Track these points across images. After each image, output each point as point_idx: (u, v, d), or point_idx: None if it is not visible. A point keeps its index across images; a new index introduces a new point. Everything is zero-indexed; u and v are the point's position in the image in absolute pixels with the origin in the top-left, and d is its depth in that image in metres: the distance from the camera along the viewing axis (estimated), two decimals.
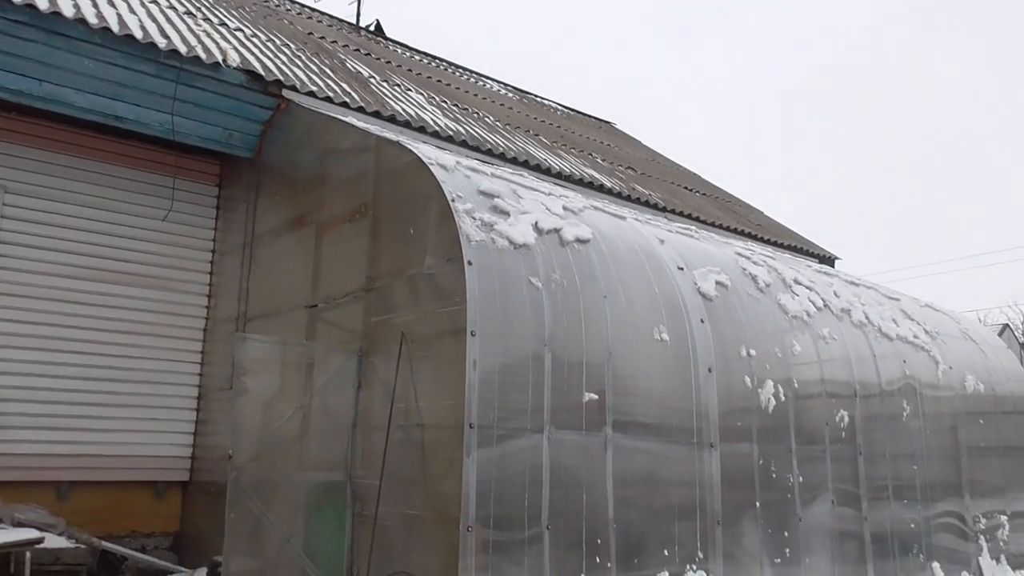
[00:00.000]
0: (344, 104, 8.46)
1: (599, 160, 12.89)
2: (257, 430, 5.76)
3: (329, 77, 9.43)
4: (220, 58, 7.82)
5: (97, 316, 8.21)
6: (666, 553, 5.87)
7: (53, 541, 6.18)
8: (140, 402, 8.32)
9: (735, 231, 12.34)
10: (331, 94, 8.50)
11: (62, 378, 7.92)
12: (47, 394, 7.82)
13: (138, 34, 7.37)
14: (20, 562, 5.54)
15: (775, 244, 13.04)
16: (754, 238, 12.58)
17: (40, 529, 6.08)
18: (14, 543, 5.55)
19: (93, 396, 8.07)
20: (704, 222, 11.76)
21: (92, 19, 7.15)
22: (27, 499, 7.15)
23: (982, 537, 9.18)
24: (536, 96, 17.67)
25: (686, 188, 14.48)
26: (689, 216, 11.61)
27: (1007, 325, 29.36)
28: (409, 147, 6.10)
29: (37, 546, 5.67)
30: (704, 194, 14.88)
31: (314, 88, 8.42)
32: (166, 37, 7.72)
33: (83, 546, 6.41)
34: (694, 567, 6.00)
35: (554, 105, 17.73)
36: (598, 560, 5.44)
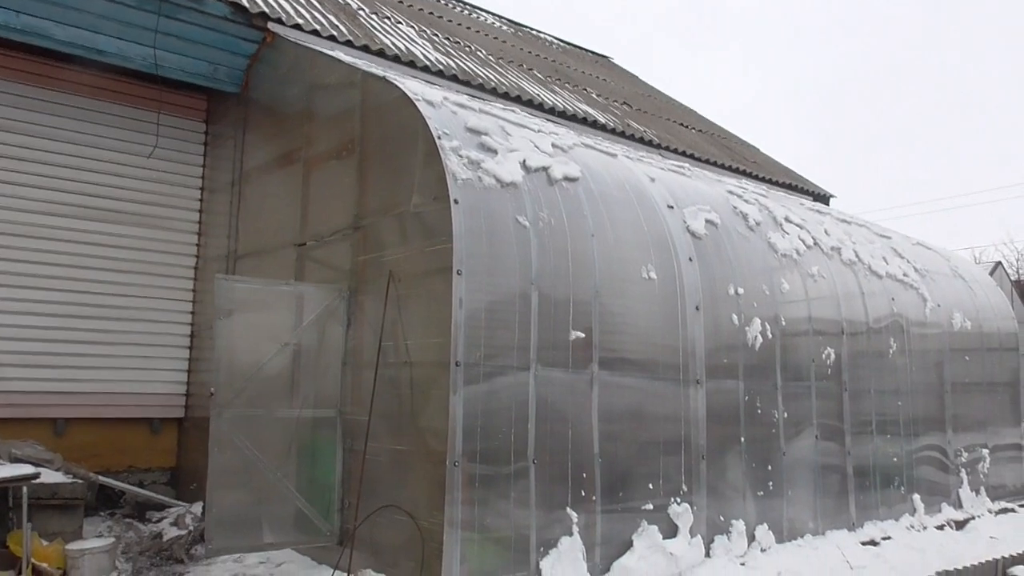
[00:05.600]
0: (331, 38, 8.30)
1: (594, 95, 12.72)
2: (242, 368, 5.80)
3: (316, 9, 9.22)
4: None
5: (86, 254, 8.20)
6: (651, 486, 6.01)
7: (50, 476, 6.27)
8: (133, 340, 8.38)
9: (729, 168, 12.26)
10: (318, 27, 8.33)
11: (53, 316, 7.95)
12: (38, 332, 7.86)
13: None
14: (17, 496, 5.63)
15: (770, 182, 12.97)
16: (749, 175, 12.51)
17: (36, 464, 6.18)
18: (10, 478, 5.64)
19: (85, 334, 8.12)
20: (698, 159, 11.67)
21: None
22: (23, 435, 7.26)
23: (963, 470, 9.39)
24: (532, 29, 17.31)
25: (682, 124, 14.33)
26: (683, 153, 11.52)
27: (999, 263, 29.39)
28: (395, 83, 6.02)
29: (34, 481, 5.76)
30: (700, 131, 14.73)
31: (300, 21, 8.24)
32: None
33: (80, 481, 6.51)
34: (678, 500, 6.14)
35: (550, 39, 17.38)
36: (583, 493, 5.57)
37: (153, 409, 8.50)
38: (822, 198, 14.17)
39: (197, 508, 7.11)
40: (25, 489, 5.60)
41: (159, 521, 7.34)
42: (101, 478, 7.42)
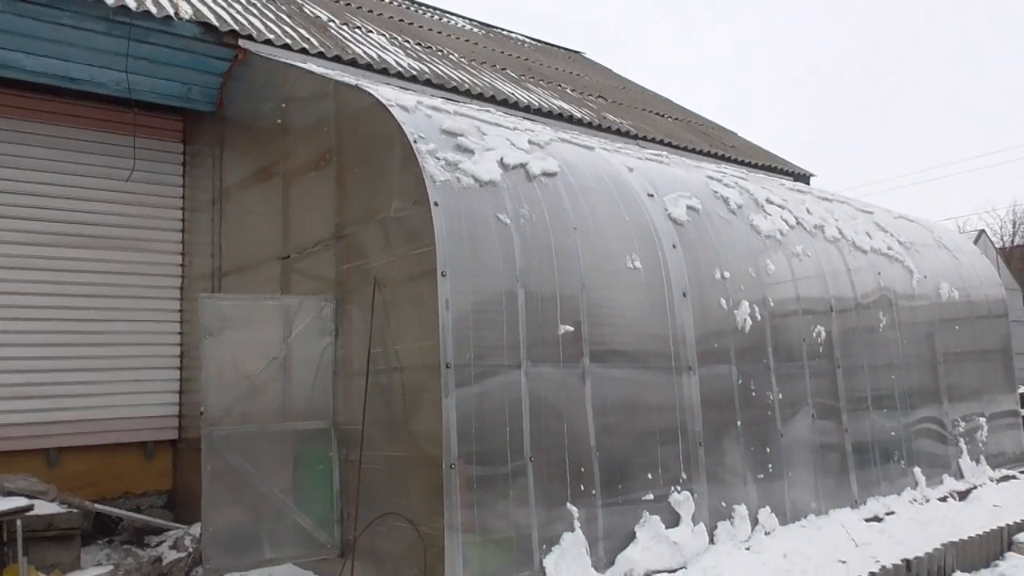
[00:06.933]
0: (303, 50, 8.28)
1: (568, 91, 12.72)
2: (231, 385, 5.76)
3: (286, 23, 9.20)
4: (172, 11, 7.61)
5: (70, 282, 8.17)
6: (650, 477, 5.99)
7: (44, 508, 6.21)
8: (122, 364, 8.35)
9: (708, 154, 12.28)
10: (289, 41, 8.31)
11: (40, 346, 7.91)
12: (26, 363, 7.82)
13: None
14: (12, 530, 5.58)
15: (749, 165, 13.00)
16: (728, 160, 12.53)
17: (30, 497, 6.12)
18: (3, 512, 5.59)
19: (74, 362, 8.08)
20: (676, 147, 11.68)
21: None
22: (16, 468, 7.21)
23: (961, 440, 9.41)
24: (503, 30, 17.31)
25: (658, 114, 14.34)
26: (661, 142, 11.53)
27: (983, 231, 29.54)
28: (368, 90, 6.00)
29: (28, 513, 5.71)
30: (676, 119, 14.76)
31: (271, 36, 8.22)
32: None
33: (76, 510, 6.45)
34: (678, 488, 6.13)
35: (521, 38, 17.39)
36: (583, 488, 5.55)
37: (146, 432, 8.44)
38: (802, 178, 14.22)
39: (196, 529, 7.06)
40: (19, 522, 5.54)
41: (158, 545, 7.29)
42: (97, 506, 7.37)
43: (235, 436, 5.64)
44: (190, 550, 6.67)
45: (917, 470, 8.53)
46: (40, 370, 7.88)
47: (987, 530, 7.42)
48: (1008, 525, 7.62)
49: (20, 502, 5.74)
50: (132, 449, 8.41)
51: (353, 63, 8.63)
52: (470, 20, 16.66)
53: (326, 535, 5.84)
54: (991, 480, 9.32)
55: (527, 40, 17.46)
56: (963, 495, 8.70)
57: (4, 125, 7.98)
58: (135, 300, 8.51)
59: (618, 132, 11.07)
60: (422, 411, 5.24)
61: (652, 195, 6.85)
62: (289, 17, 9.62)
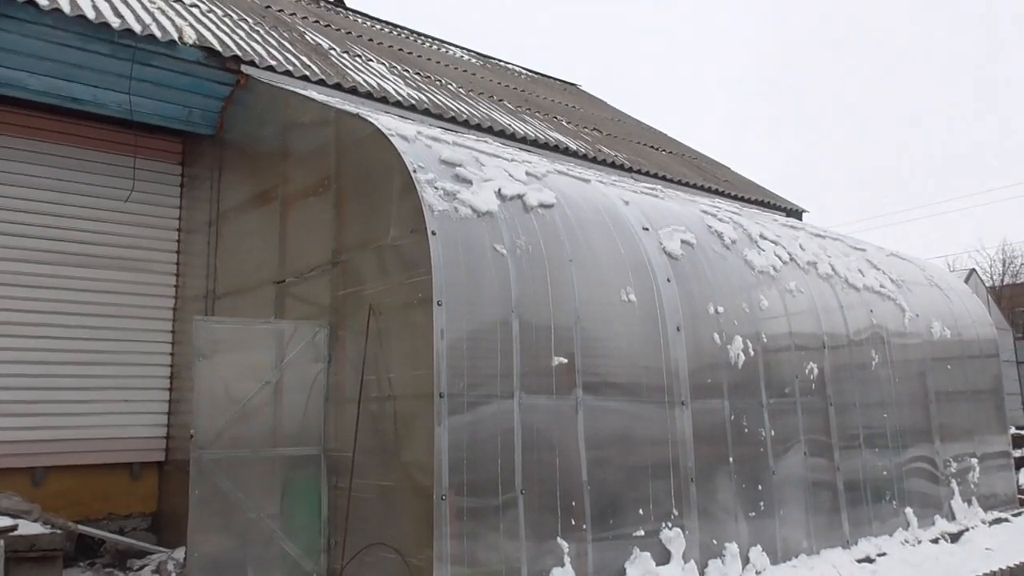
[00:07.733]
0: (304, 78, 8.35)
1: (564, 123, 12.83)
2: (222, 408, 5.74)
3: (288, 50, 9.28)
4: (176, 35, 7.67)
5: (63, 300, 8.14)
6: (641, 512, 5.96)
7: (28, 528, 6.09)
8: (112, 384, 8.30)
9: (702, 188, 12.36)
10: (290, 68, 8.38)
11: (30, 363, 7.86)
12: (15, 380, 7.76)
13: (90, 14, 7.19)
14: None
15: (742, 199, 13.08)
16: (721, 194, 12.62)
17: (14, 516, 6.03)
18: None
19: (63, 380, 8.02)
20: (671, 180, 11.76)
21: (43, 0, 6.95)
22: (1, 486, 7.11)
23: (953, 480, 9.39)
24: (500, 61, 17.48)
25: (652, 147, 14.46)
26: (655, 175, 11.61)
27: (973, 270, 29.74)
28: (369, 119, 6.05)
29: (11, 534, 5.61)
30: (670, 152, 14.87)
31: (273, 63, 8.30)
32: (119, 16, 7.54)
33: (59, 531, 6.31)
34: (669, 524, 6.09)
35: (518, 69, 17.56)
36: (573, 522, 5.52)
37: (133, 453, 8.37)
38: (795, 213, 14.30)
39: (179, 554, 6.98)
40: (2, 542, 5.46)
41: (140, 569, 7.20)
42: (80, 527, 7.27)
43: (225, 460, 5.60)
44: (173, 575, 6.58)
45: (909, 510, 8.50)
46: (29, 388, 7.82)
47: (980, 574, 7.36)
48: (1001, 569, 7.56)
49: (3, 521, 5.65)
50: (118, 470, 8.33)
51: (353, 91, 8.70)
52: (468, 50, 16.83)
53: (312, 564, 5.78)
54: (983, 522, 9.28)
55: (523, 71, 17.63)
56: (955, 537, 8.66)
57: (5, 143, 8.00)
58: (127, 320, 8.48)
59: (613, 165, 11.15)
60: (414, 440, 5.22)
61: (647, 229, 6.89)
62: (291, 44, 9.70)
